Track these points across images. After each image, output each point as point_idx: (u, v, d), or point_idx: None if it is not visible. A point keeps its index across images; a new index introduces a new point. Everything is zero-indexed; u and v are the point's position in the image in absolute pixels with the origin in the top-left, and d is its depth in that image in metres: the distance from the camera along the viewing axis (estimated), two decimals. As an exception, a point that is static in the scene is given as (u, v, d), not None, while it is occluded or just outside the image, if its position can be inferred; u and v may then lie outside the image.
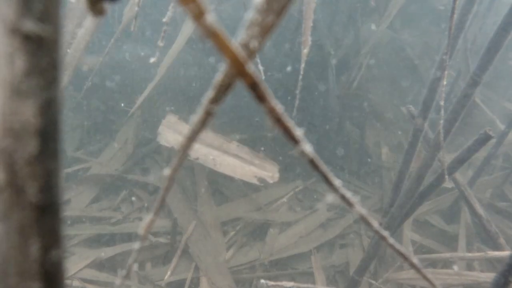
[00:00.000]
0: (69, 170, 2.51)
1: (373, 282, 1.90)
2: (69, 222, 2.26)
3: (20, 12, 0.19)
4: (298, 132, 0.31)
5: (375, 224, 0.39)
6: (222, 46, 0.25)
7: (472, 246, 2.32)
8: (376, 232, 0.39)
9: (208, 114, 0.30)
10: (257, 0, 0.28)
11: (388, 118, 3.02)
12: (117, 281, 1.94)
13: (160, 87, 2.67)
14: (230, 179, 2.58)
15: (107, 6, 0.25)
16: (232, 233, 2.31)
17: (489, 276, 1.68)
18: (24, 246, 0.19)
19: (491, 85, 3.39)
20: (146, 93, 2.47)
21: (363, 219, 0.39)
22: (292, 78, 2.57)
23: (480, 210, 2.10)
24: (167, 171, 0.33)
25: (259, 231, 2.36)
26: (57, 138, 0.20)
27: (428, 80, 1.67)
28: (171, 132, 2.17)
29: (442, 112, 1.33)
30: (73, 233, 2.21)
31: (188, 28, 2.40)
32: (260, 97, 0.28)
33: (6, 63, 0.19)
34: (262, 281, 1.23)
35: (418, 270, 0.44)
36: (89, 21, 1.81)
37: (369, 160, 2.81)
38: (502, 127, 2.92)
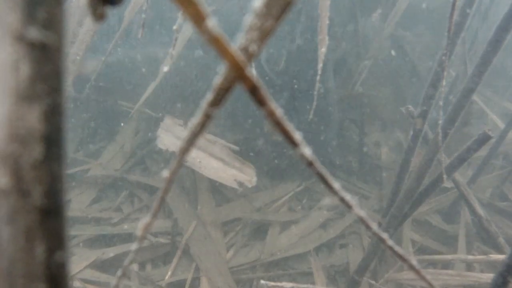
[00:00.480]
0: (69, 171, 2.51)
1: (373, 282, 1.90)
2: (69, 223, 2.27)
3: (25, 20, 0.19)
4: (297, 135, 0.32)
5: (374, 226, 0.39)
6: (222, 51, 0.25)
7: (472, 245, 2.33)
8: (375, 234, 0.39)
9: (207, 117, 0.31)
10: (256, 4, 0.28)
11: (388, 118, 3.03)
12: (114, 281, 1.94)
13: (160, 88, 2.67)
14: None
15: (108, 11, 0.25)
16: (233, 233, 2.32)
17: (489, 277, 1.69)
18: (30, 249, 0.19)
19: (490, 85, 3.39)
20: (147, 93, 2.48)
21: (362, 221, 0.39)
22: (292, 79, 2.57)
23: (480, 209, 2.11)
24: (166, 173, 0.34)
25: (259, 231, 2.37)
26: (61, 143, 0.20)
27: (428, 80, 1.68)
28: (170, 136, 2.17)
29: (441, 112, 1.34)
30: (73, 233, 2.21)
31: (188, 29, 2.41)
32: (260, 101, 0.28)
33: (11, 70, 0.19)
34: (263, 281, 1.23)
35: (417, 271, 0.44)
36: (89, 22, 1.82)
37: (368, 160, 2.82)
38: (501, 126, 2.93)
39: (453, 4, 1.05)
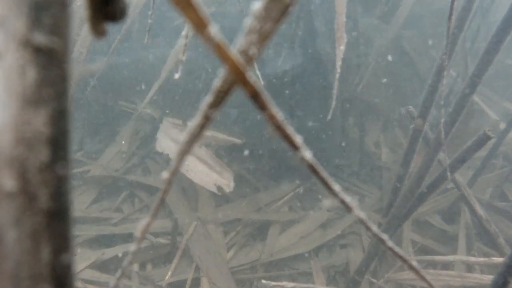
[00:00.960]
0: (70, 171, 2.51)
1: (374, 280, 1.90)
2: (70, 223, 2.27)
3: (31, 25, 0.19)
4: (298, 139, 0.32)
5: (374, 227, 0.39)
6: (224, 56, 0.26)
7: (472, 246, 2.33)
8: (375, 235, 0.40)
9: (206, 119, 0.31)
10: (255, 7, 0.28)
11: (388, 118, 3.03)
12: (111, 283, 1.94)
13: (161, 88, 2.68)
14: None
15: (109, 27, 0.25)
16: (233, 233, 2.32)
17: (490, 279, 1.68)
18: (36, 251, 0.20)
19: (490, 85, 3.40)
20: (152, 93, 2.49)
21: (362, 223, 0.39)
22: (292, 80, 2.57)
23: (480, 210, 2.11)
24: (165, 174, 0.34)
25: (259, 232, 2.37)
26: (67, 146, 0.21)
27: (428, 80, 1.68)
28: (168, 140, 2.17)
29: (442, 112, 1.34)
30: (74, 234, 2.22)
31: (188, 31, 2.41)
32: (261, 106, 0.28)
33: (18, 74, 0.19)
34: (264, 281, 1.24)
35: (417, 272, 0.44)
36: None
37: (368, 160, 2.82)
38: (502, 126, 2.94)
39: (452, 4, 1.05)
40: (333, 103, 1.28)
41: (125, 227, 2.30)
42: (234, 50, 0.28)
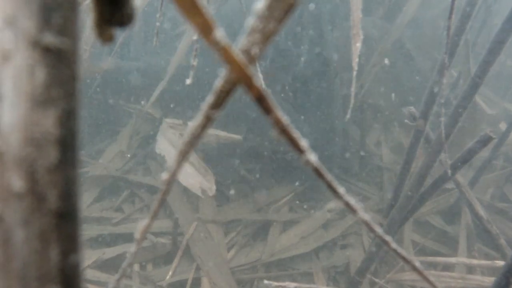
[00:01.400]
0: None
1: (376, 280, 1.90)
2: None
3: (40, 25, 0.19)
4: (303, 142, 0.32)
5: (379, 229, 0.39)
6: (229, 60, 0.25)
7: (472, 246, 2.33)
8: (380, 237, 0.40)
9: (208, 119, 0.31)
10: (258, 6, 0.28)
11: (389, 118, 3.03)
12: (113, 283, 1.94)
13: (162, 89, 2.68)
14: (231, 179, 2.59)
15: (115, 33, 0.25)
16: (233, 233, 2.32)
17: (492, 280, 1.68)
18: (44, 252, 0.20)
19: (491, 86, 3.40)
20: (156, 93, 2.49)
21: (366, 225, 0.39)
22: (297, 83, 2.57)
23: (481, 210, 2.11)
24: (165, 175, 0.34)
25: (260, 232, 2.37)
26: (76, 147, 0.21)
27: (430, 80, 1.68)
28: (167, 143, 2.16)
29: (443, 110, 1.34)
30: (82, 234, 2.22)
31: (191, 33, 2.42)
32: (266, 109, 0.28)
33: (27, 75, 0.19)
34: (266, 281, 1.23)
35: (420, 273, 0.44)
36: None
37: (369, 160, 2.82)
38: (503, 127, 2.94)
39: (452, 4, 1.05)
40: (351, 103, 1.26)
41: (125, 226, 2.30)
42: (240, 54, 0.27)
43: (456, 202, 2.49)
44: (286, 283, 1.28)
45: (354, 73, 1.13)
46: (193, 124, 0.31)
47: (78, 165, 0.21)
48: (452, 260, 1.85)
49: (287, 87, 2.55)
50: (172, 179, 0.33)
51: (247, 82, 0.27)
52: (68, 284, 0.21)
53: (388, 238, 0.42)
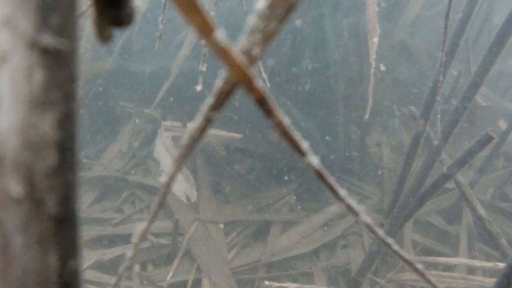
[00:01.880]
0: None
1: (377, 279, 1.90)
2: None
3: (38, 26, 0.19)
4: (305, 144, 0.31)
5: (380, 232, 0.39)
6: (230, 62, 0.25)
7: (473, 246, 2.32)
8: (381, 240, 0.39)
9: (207, 121, 0.30)
10: (259, 5, 0.27)
11: (389, 118, 3.02)
12: (110, 286, 1.94)
13: (163, 89, 2.68)
14: (232, 180, 2.58)
15: (115, 33, 0.25)
16: (234, 234, 2.31)
17: (494, 281, 1.68)
18: (43, 257, 0.19)
19: (491, 86, 3.39)
20: (161, 94, 2.50)
21: (368, 227, 0.39)
22: (299, 85, 2.57)
23: (482, 210, 2.10)
24: (163, 178, 0.33)
25: (260, 232, 2.36)
26: (75, 151, 0.20)
27: (430, 81, 1.68)
28: (164, 150, 2.14)
29: (439, 108, 1.33)
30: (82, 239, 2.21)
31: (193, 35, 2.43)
32: (267, 111, 0.28)
33: (24, 77, 0.19)
34: (267, 282, 1.23)
35: (422, 275, 0.44)
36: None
37: (370, 160, 2.81)
38: (503, 126, 2.94)
39: (449, 2, 1.04)
40: (369, 104, 1.24)
41: (126, 227, 2.30)
42: (241, 56, 0.27)
43: (457, 202, 2.49)
44: (287, 284, 1.27)
45: (372, 70, 1.09)
46: (193, 125, 0.31)
47: (77, 169, 0.20)
48: (454, 261, 1.84)
49: (289, 87, 2.54)
50: (171, 181, 0.33)
51: (248, 84, 0.27)
52: (67, 290, 0.20)
53: (389, 240, 0.42)
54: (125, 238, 2.25)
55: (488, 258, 2.30)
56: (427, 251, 2.35)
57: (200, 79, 0.83)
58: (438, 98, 1.54)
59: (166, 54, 2.94)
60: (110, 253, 2.14)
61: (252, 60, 0.28)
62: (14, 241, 0.19)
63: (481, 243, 2.36)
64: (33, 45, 0.19)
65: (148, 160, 2.68)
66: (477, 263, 1.78)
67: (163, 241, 2.21)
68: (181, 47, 2.65)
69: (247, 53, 0.28)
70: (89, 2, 0.24)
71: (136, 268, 2.13)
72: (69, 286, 0.20)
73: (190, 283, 2.04)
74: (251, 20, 0.27)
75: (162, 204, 0.33)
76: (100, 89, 2.71)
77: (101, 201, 2.46)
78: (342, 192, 0.36)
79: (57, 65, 0.19)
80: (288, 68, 2.55)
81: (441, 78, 1.56)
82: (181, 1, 0.23)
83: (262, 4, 0.27)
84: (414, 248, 2.32)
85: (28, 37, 0.19)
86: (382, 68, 2.72)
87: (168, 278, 2.06)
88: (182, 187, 1.81)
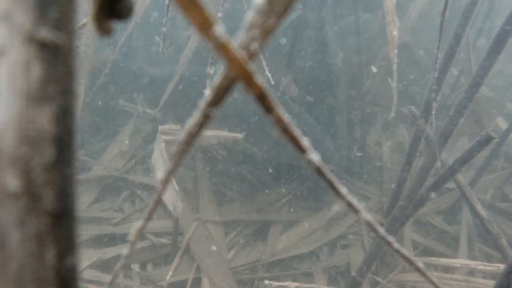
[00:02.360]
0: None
1: (378, 279, 1.90)
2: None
3: (36, 20, 0.19)
4: (305, 141, 0.31)
5: (381, 230, 0.39)
6: (229, 57, 0.25)
7: (473, 246, 2.32)
8: (382, 238, 0.39)
9: (206, 117, 0.30)
10: (257, 1, 0.27)
11: (389, 118, 3.02)
12: (106, 285, 1.93)
13: (161, 89, 2.68)
14: (232, 180, 2.58)
15: (114, 26, 0.24)
16: (234, 233, 2.31)
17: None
18: (40, 253, 0.19)
19: (492, 85, 3.39)
20: (166, 95, 2.49)
21: (369, 226, 0.39)
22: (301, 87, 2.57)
23: (482, 210, 2.10)
24: (160, 176, 0.33)
25: (260, 232, 2.36)
26: (72, 146, 0.20)
27: (431, 81, 1.68)
28: (160, 157, 2.12)
29: (434, 105, 1.33)
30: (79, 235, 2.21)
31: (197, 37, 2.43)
32: (268, 108, 0.28)
33: (22, 71, 0.19)
34: (267, 282, 1.23)
35: (423, 274, 0.44)
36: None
37: (370, 160, 2.81)
38: (499, 121, 2.94)
39: (446, 2, 1.04)
40: (395, 98, 1.20)
41: (125, 226, 2.29)
42: (241, 52, 0.27)
43: (457, 202, 2.49)
44: (287, 283, 1.27)
45: (395, 66, 1.05)
46: (191, 122, 0.30)
47: (74, 164, 0.20)
48: (456, 264, 1.83)
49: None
50: (168, 181, 0.33)
51: (247, 79, 0.27)
52: (64, 286, 0.20)
53: (390, 239, 0.42)
54: (125, 238, 2.25)
55: (488, 258, 2.29)
56: (427, 252, 2.34)
57: (208, 82, 0.82)
58: (434, 95, 1.54)
59: (167, 54, 2.94)
60: (110, 252, 2.13)
61: (250, 55, 0.28)
62: (10, 236, 0.19)
63: (481, 243, 2.36)
64: (31, 39, 0.19)
65: (148, 159, 2.68)
66: (480, 266, 1.77)
67: (163, 240, 2.21)
68: (180, 47, 2.65)
69: (246, 48, 0.27)
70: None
71: (136, 267, 2.12)
72: (66, 283, 0.20)
73: (189, 282, 2.03)
74: (250, 16, 0.27)
75: (157, 204, 0.33)
76: (100, 88, 2.70)
77: (101, 201, 2.46)
78: (343, 190, 0.36)
79: (55, 59, 0.19)
80: (289, 69, 2.55)
81: (436, 75, 1.56)
82: (180, -4, 0.23)
83: (261, -1, 0.27)
84: (415, 249, 2.32)
85: (26, 31, 0.19)
86: (374, 70, 2.72)
87: (168, 277, 2.06)
88: (171, 197, 1.81)
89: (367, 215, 0.38)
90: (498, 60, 1.46)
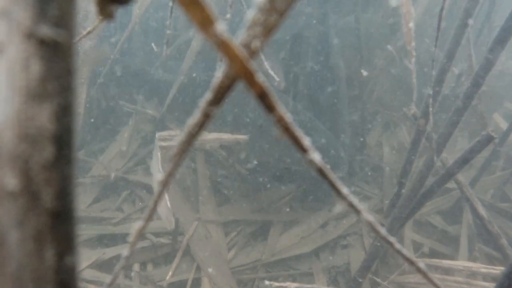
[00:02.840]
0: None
1: (378, 280, 1.89)
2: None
3: (36, 17, 0.19)
4: (306, 141, 0.31)
5: (383, 230, 0.38)
6: (230, 55, 0.24)
7: (473, 247, 2.32)
8: (383, 238, 0.39)
9: (206, 117, 0.29)
10: None
11: (390, 118, 3.02)
12: (105, 285, 1.92)
13: (161, 89, 2.68)
14: (232, 180, 2.58)
15: (116, 9, 0.24)
16: (234, 233, 2.31)
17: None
18: (39, 252, 0.19)
19: (492, 86, 3.39)
20: (171, 95, 2.50)
21: (370, 226, 0.38)
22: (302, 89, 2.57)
23: (482, 210, 2.10)
24: (159, 176, 0.33)
25: (260, 232, 2.36)
26: (72, 144, 0.20)
27: (431, 81, 1.67)
28: (156, 165, 2.11)
29: (430, 101, 1.33)
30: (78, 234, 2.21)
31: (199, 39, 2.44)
32: (269, 107, 0.27)
33: (21, 68, 0.18)
34: (267, 282, 1.23)
35: (425, 275, 0.44)
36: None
37: (370, 160, 2.81)
38: (498, 120, 2.94)
39: (443, 2, 1.04)
40: (414, 95, 1.18)
41: (125, 226, 2.29)
42: (243, 50, 0.26)
43: (457, 202, 2.48)
44: (287, 283, 1.27)
45: (413, 60, 1.02)
46: (191, 121, 0.30)
47: (74, 162, 0.20)
48: (458, 265, 1.83)
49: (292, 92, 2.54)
50: (168, 182, 0.33)
51: (249, 78, 0.27)
52: (64, 286, 0.20)
53: (392, 239, 0.42)
54: (125, 237, 2.25)
55: (488, 258, 2.29)
56: (427, 252, 2.34)
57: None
58: (430, 92, 1.53)
59: (168, 54, 2.94)
60: (110, 252, 2.13)
61: (252, 53, 0.27)
62: (9, 235, 0.18)
63: (481, 243, 2.35)
64: (31, 36, 0.19)
65: (148, 159, 2.68)
66: (482, 269, 1.76)
67: (163, 240, 2.21)
68: (180, 47, 2.65)
69: (247, 46, 0.27)
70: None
71: (136, 267, 2.12)
72: (65, 283, 0.20)
73: (189, 282, 2.03)
74: (251, 13, 0.27)
75: (158, 204, 0.33)
76: (100, 88, 2.70)
77: (101, 200, 2.45)
78: (344, 189, 0.36)
79: (54, 56, 0.19)
80: (290, 70, 2.55)
81: (433, 73, 1.55)
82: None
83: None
84: (417, 251, 2.31)
85: (26, 28, 0.18)
86: (364, 74, 2.71)
87: (168, 277, 2.06)
88: (165, 211, 1.81)
89: (368, 216, 0.38)
90: (498, 60, 1.46)
